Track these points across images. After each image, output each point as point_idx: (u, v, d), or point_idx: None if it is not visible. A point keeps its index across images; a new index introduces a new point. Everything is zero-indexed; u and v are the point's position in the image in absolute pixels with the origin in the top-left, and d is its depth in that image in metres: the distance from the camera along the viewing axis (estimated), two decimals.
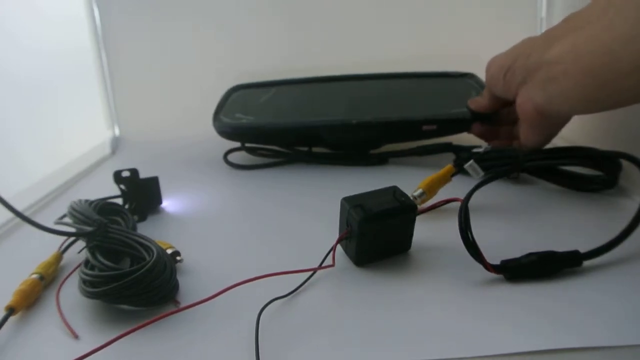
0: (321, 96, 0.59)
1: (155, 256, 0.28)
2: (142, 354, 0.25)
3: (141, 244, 0.31)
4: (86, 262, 0.30)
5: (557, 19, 0.59)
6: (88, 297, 0.28)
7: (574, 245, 0.31)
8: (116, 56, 0.67)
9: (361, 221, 0.30)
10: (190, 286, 0.31)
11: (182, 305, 0.27)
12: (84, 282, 0.28)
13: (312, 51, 0.67)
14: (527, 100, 0.37)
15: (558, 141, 0.41)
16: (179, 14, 0.66)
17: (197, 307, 0.26)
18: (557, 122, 0.40)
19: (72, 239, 0.35)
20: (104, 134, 0.66)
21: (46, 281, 0.31)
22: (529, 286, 0.29)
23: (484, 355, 0.24)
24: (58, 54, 0.57)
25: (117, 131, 0.69)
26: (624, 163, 0.39)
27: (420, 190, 0.38)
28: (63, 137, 0.56)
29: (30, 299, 0.29)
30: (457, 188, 0.37)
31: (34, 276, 0.31)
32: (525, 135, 0.40)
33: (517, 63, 0.37)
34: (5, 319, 0.27)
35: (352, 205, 0.31)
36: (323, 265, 0.31)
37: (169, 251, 0.32)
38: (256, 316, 0.26)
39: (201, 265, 0.33)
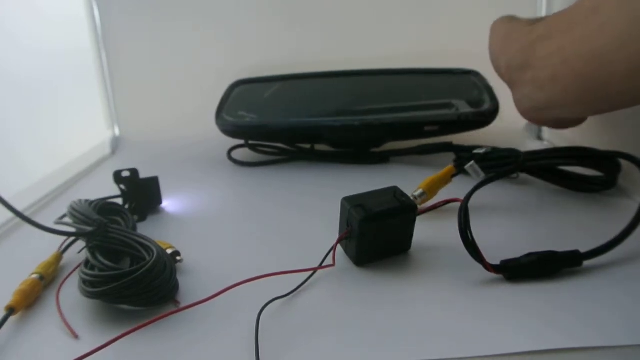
0: (324, 92, 0.59)
1: (155, 256, 0.28)
2: (142, 354, 0.25)
3: (141, 244, 0.31)
4: (86, 262, 0.30)
5: None
6: (88, 297, 0.28)
7: (574, 245, 0.31)
8: (116, 56, 0.67)
9: (362, 221, 0.30)
10: (190, 286, 0.31)
11: (182, 305, 0.27)
12: (84, 282, 0.28)
13: (312, 50, 0.67)
14: (518, 103, 0.36)
15: (558, 141, 0.41)
16: (178, 13, 0.66)
17: (197, 307, 0.26)
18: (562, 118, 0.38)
19: (72, 239, 0.35)
20: (104, 134, 0.66)
21: (46, 281, 0.31)
22: (529, 286, 0.29)
23: (484, 355, 0.24)
24: (58, 54, 0.57)
25: (117, 131, 0.69)
26: (624, 163, 0.39)
27: (420, 191, 0.38)
28: (63, 137, 0.56)
29: (30, 299, 0.29)
30: (457, 188, 0.37)
31: (34, 276, 0.31)
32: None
33: (502, 63, 0.36)
34: (5, 319, 0.27)
35: (353, 205, 0.31)
36: (323, 265, 0.31)
37: (169, 251, 0.32)
38: (256, 316, 0.26)
39: (201, 265, 0.33)
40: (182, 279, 0.31)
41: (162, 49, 0.67)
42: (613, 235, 0.31)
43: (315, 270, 0.30)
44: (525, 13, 0.64)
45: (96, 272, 0.28)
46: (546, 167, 0.42)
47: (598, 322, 0.26)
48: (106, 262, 0.29)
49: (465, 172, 0.40)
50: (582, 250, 0.30)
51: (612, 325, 0.25)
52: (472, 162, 0.40)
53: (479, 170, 0.40)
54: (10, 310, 0.28)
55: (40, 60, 0.52)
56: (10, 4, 0.48)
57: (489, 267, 0.29)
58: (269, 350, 0.25)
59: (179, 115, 0.66)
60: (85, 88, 0.64)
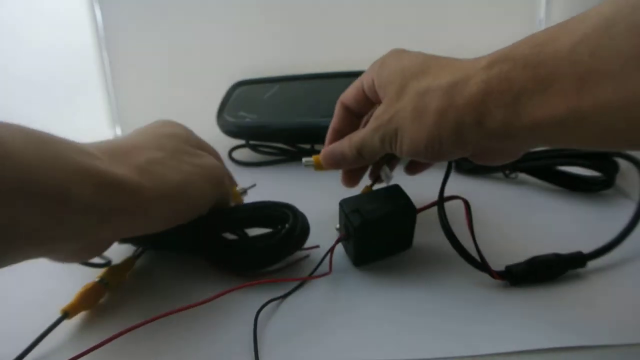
0: (324, 93, 0.59)
1: (293, 207, 0.33)
2: (141, 354, 0.25)
3: (273, 205, 0.34)
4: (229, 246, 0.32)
5: (556, 19, 0.59)
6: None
7: (573, 244, 0.31)
8: (118, 56, 0.67)
9: (358, 228, 0.30)
10: (189, 287, 0.31)
11: (181, 306, 0.27)
12: (257, 255, 0.31)
13: (313, 51, 0.67)
14: None
15: None
16: (180, 13, 0.66)
17: (197, 307, 0.27)
18: None
19: None
20: (105, 134, 0.66)
21: (111, 286, 0.30)
22: (531, 287, 0.29)
23: (485, 353, 0.24)
24: (60, 53, 0.57)
25: (118, 131, 0.69)
26: (621, 162, 0.39)
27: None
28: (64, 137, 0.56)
29: (89, 303, 0.29)
30: (457, 187, 0.36)
31: (97, 280, 0.30)
32: None
33: None
34: (58, 322, 0.27)
35: (350, 210, 0.30)
36: (317, 274, 0.30)
37: (240, 190, 0.39)
38: (254, 317, 0.27)
39: (201, 266, 0.33)
40: (180, 281, 0.31)
41: (164, 49, 0.67)
42: (612, 234, 0.31)
43: (305, 279, 0.30)
44: (524, 13, 0.64)
45: (266, 242, 0.31)
46: (544, 167, 0.42)
47: (604, 322, 0.26)
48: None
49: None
50: (583, 248, 0.30)
51: (618, 324, 0.26)
52: (384, 166, 0.36)
53: (389, 172, 0.36)
54: (65, 314, 0.27)
55: (42, 60, 0.53)
56: (13, 4, 0.48)
57: (494, 274, 0.29)
58: (269, 351, 0.25)
59: (180, 115, 0.66)
60: (86, 88, 0.65)
